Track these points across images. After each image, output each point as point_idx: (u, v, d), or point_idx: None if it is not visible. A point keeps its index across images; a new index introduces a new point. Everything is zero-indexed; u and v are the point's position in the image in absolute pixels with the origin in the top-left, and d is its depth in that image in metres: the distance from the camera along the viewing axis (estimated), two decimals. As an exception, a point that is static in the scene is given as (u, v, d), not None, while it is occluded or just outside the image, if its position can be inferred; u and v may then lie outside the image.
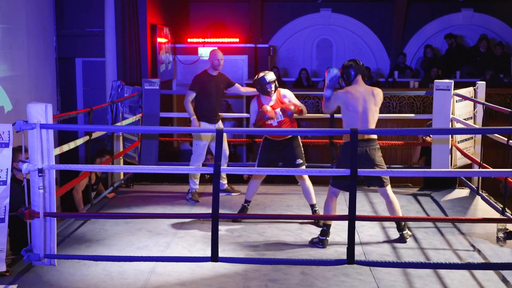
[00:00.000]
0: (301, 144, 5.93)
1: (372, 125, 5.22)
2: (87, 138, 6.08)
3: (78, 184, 6.67)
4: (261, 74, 5.81)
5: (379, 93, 5.30)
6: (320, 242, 5.29)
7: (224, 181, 6.99)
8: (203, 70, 6.86)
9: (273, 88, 5.82)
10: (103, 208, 6.50)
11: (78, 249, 5.17)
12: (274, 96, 5.88)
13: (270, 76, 5.78)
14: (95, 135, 6.33)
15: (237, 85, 6.99)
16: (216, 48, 7.00)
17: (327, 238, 5.29)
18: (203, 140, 6.73)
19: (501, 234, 5.29)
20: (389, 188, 5.34)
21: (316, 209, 5.94)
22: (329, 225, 5.33)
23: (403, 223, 5.37)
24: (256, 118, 5.77)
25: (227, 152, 6.96)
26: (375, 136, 5.22)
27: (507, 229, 5.38)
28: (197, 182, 6.78)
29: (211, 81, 6.75)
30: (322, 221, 5.49)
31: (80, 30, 10.24)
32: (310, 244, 5.31)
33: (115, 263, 4.73)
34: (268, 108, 5.74)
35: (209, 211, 4.28)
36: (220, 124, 6.86)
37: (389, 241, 5.41)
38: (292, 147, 5.84)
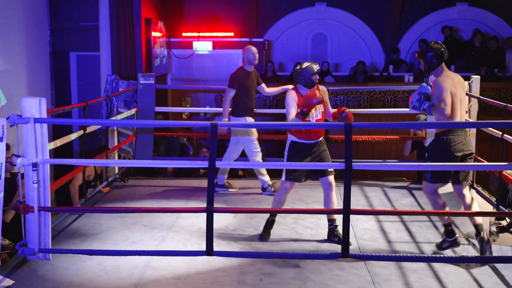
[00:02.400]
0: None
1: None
2: (81, 132, 6.07)
3: (75, 177, 6.66)
4: (305, 64, 5.18)
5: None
6: (452, 244, 4.91)
7: (266, 178, 6.87)
8: (240, 67, 6.85)
9: (317, 80, 5.23)
10: (98, 203, 6.49)
11: (72, 244, 5.17)
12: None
13: (316, 66, 5.19)
14: (89, 129, 6.32)
15: (263, 84, 6.97)
16: (248, 45, 6.97)
17: (457, 238, 4.94)
18: (252, 136, 6.72)
19: (493, 228, 5.30)
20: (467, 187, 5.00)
21: (337, 224, 5.31)
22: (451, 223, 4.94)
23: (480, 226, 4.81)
24: (303, 104, 5.09)
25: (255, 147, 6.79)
26: None
27: (500, 223, 5.40)
28: (266, 174, 6.84)
29: (249, 76, 6.76)
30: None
31: (75, 24, 10.20)
32: (440, 249, 4.96)
33: (110, 257, 4.72)
34: (317, 91, 5.13)
35: (204, 205, 4.29)
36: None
37: (384, 235, 5.42)
38: (321, 150, 5.27)
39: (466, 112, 5.35)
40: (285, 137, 5.36)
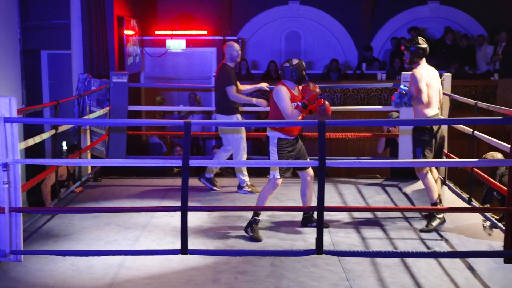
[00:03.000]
0: None
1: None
2: (53, 131, 5.99)
3: (47, 177, 6.58)
4: (295, 60, 5.33)
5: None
6: (442, 220, 5.41)
7: (245, 177, 6.80)
8: (223, 64, 6.66)
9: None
10: (71, 203, 6.42)
11: (45, 245, 5.10)
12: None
13: (304, 64, 5.38)
14: (61, 128, 6.24)
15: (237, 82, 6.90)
16: (231, 41, 6.84)
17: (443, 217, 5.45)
18: (241, 134, 6.66)
19: (487, 223, 5.38)
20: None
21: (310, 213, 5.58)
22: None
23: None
24: (306, 98, 5.17)
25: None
26: None
27: (494, 217, 5.48)
28: (246, 174, 6.76)
29: (233, 72, 6.68)
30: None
31: (46, 22, 10.08)
32: (429, 227, 5.38)
33: (83, 258, 4.68)
34: (313, 84, 5.24)
35: (179, 204, 4.27)
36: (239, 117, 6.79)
37: (358, 231, 5.46)
38: (301, 145, 5.52)
39: (438, 109, 5.53)
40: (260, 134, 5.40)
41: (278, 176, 5.34)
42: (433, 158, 5.51)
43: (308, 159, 5.53)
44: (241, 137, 6.66)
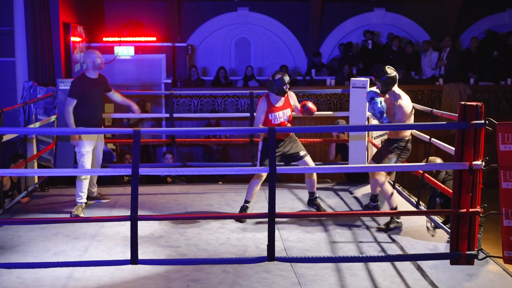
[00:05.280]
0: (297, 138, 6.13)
1: None
2: (-3, 141, 5.82)
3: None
4: (278, 75, 5.81)
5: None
6: (399, 224, 5.63)
7: (94, 189, 6.57)
8: (81, 74, 6.26)
9: (287, 89, 5.89)
10: (17, 214, 6.25)
11: (-11, 258, 4.95)
12: (284, 97, 5.93)
13: (287, 77, 5.83)
14: (6, 137, 6.07)
15: (115, 92, 6.56)
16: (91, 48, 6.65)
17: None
18: (87, 147, 6.13)
19: (429, 225, 5.50)
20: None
21: (317, 196, 6.18)
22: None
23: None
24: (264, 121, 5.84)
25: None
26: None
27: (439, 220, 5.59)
28: (85, 195, 6.20)
29: (93, 84, 6.17)
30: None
31: (-12, 28, 9.82)
32: (388, 232, 5.57)
33: (30, 270, 4.55)
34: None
35: (128, 213, 4.20)
36: (100, 135, 6.31)
37: (310, 236, 5.50)
38: (292, 142, 5.98)
39: None
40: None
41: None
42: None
43: (302, 152, 5.97)
44: (80, 152, 6.12)
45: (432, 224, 5.49)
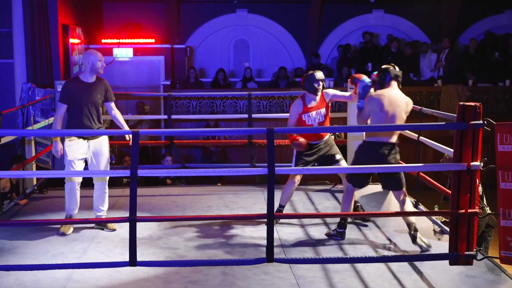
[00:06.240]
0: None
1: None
2: (-4, 143, 5.82)
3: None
4: (310, 72, 5.73)
5: (410, 103, 5.27)
6: (338, 234, 5.42)
7: (100, 213, 5.80)
8: (75, 76, 5.73)
9: (321, 87, 5.72)
10: (15, 216, 6.24)
11: (-12, 260, 4.94)
12: (319, 96, 5.76)
13: (319, 74, 5.69)
14: (4, 140, 6.07)
15: (116, 109, 5.84)
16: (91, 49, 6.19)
17: (345, 231, 5.43)
18: (73, 159, 5.64)
19: (436, 228, 5.50)
20: (404, 192, 5.27)
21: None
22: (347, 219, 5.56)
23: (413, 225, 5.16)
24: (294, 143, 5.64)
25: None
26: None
27: (446, 220, 5.59)
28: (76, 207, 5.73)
29: (87, 89, 5.54)
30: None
31: (-14, 30, 9.83)
32: (328, 237, 5.45)
33: (29, 272, 4.54)
34: (301, 139, 5.63)
35: (127, 214, 4.20)
36: (97, 142, 5.64)
37: (308, 238, 5.49)
38: (328, 146, 5.83)
39: None
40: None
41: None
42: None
43: (338, 156, 5.81)
44: (67, 160, 5.68)
45: (439, 228, 5.49)
